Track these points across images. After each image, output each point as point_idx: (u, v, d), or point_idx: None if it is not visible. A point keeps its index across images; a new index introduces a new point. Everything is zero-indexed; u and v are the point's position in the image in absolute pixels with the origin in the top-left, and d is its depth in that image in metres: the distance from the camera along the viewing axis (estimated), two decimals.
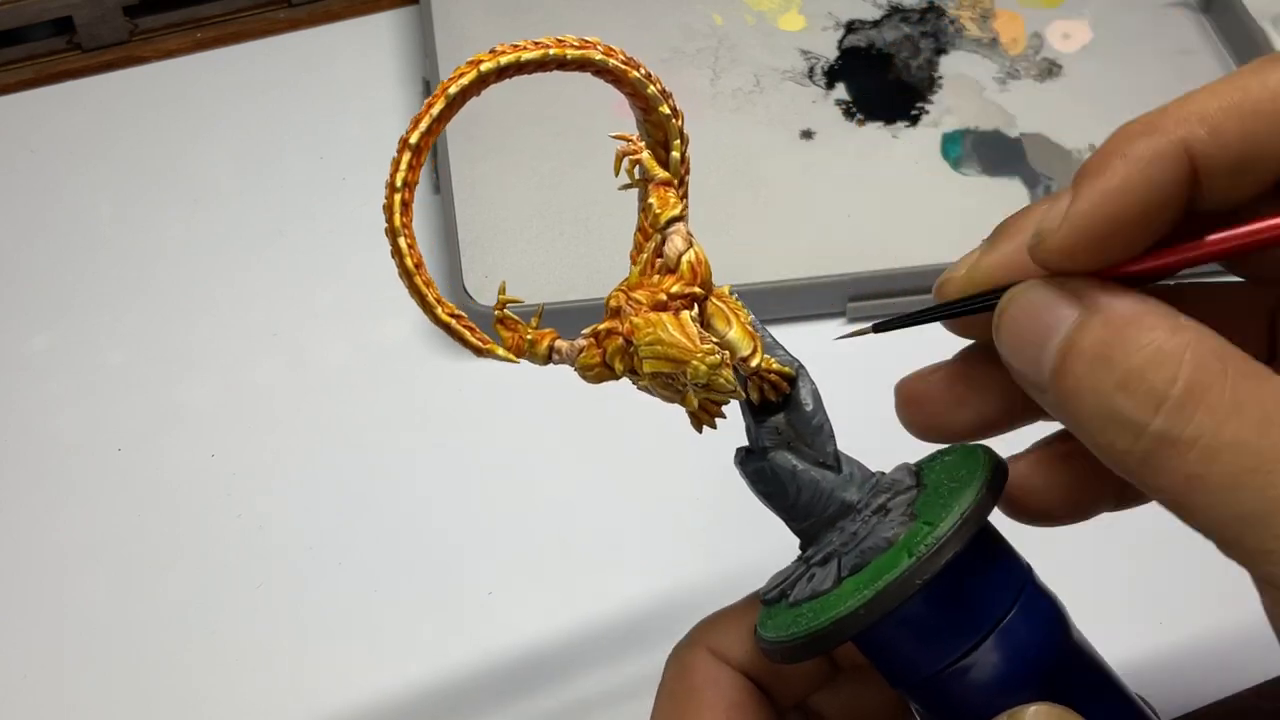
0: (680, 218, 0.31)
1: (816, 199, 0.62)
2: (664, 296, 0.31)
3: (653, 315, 0.30)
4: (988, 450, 0.31)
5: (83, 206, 0.65)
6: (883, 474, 0.33)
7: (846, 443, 0.33)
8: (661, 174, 0.31)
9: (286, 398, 0.57)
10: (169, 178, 0.66)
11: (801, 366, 0.32)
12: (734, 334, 0.31)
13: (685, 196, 0.32)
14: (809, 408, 0.32)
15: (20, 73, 0.69)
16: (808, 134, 0.65)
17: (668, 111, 0.31)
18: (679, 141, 0.32)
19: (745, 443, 0.33)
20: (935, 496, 0.30)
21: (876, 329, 0.33)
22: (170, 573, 0.52)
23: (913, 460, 0.33)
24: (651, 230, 0.31)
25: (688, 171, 0.32)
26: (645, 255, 0.31)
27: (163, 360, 0.59)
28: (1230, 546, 0.25)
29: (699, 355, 0.29)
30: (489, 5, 0.70)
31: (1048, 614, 0.30)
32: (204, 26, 0.72)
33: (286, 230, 0.63)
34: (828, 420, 0.32)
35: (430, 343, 0.59)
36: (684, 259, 0.31)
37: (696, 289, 0.31)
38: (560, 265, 0.59)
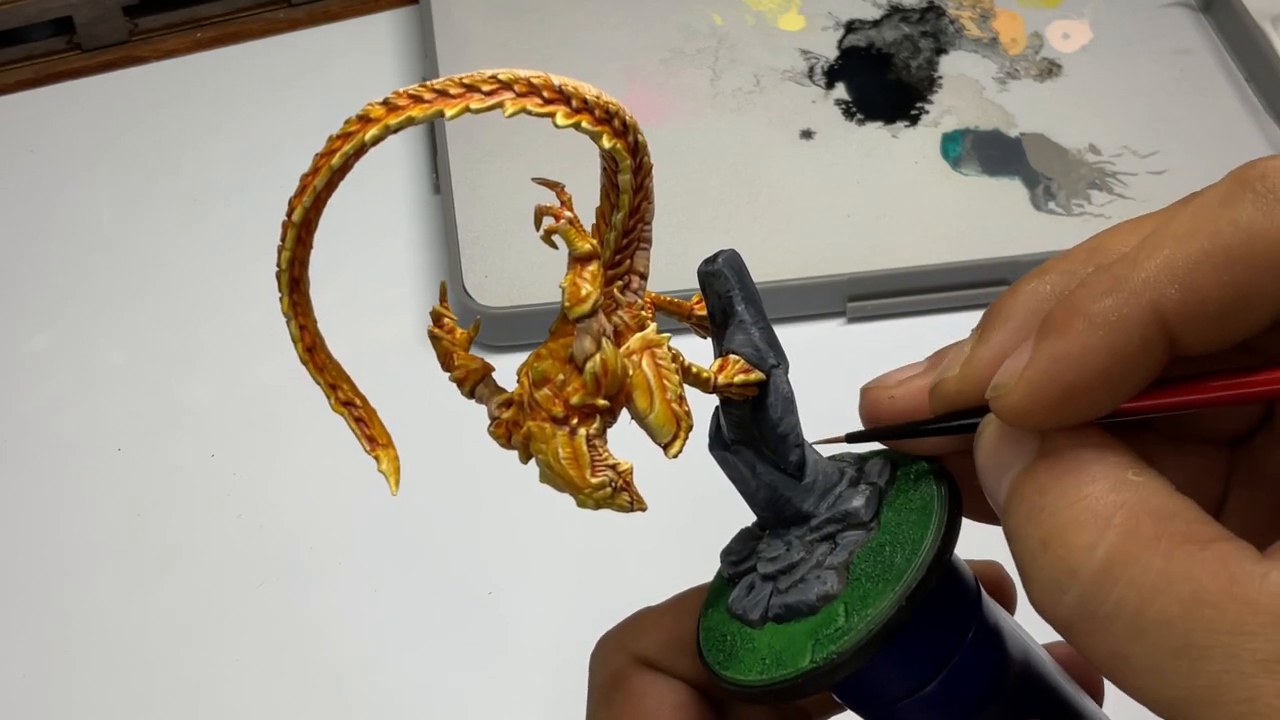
0: (591, 314, 0.27)
1: (816, 199, 0.62)
2: (560, 410, 0.28)
3: (548, 428, 0.28)
4: (941, 511, 0.29)
5: (83, 206, 0.65)
6: (854, 473, 0.31)
7: (824, 434, 0.32)
8: (582, 247, 0.28)
9: (286, 398, 0.57)
10: (169, 178, 0.66)
11: (775, 367, 0.30)
12: (655, 417, 0.28)
13: (648, 198, 0.29)
14: (775, 415, 0.30)
15: (20, 73, 0.69)
16: (808, 134, 0.65)
17: (608, 145, 0.27)
18: (629, 161, 0.28)
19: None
20: (879, 555, 0.29)
21: (850, 439, 0.31)
22: (170, 573, 0.52)
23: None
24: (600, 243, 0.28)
25: (646, 175, 0.29)
26: (559, 333, 0.29)
27: (163, 360, 0.59)
28: None
29: (585, 491, 0.28)
30: (489, 5, 0.70)
31: (995, 648, 0.30)
32: (204, 26, 0.72)
33: None
34: (795, 429, 0.30)
35: (429, 343, 0.59)
36: (588, 367, 0.27)
37: (599, 401, 0.28)
38: (560, 265, 0.59)
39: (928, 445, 0.30)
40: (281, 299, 0.28)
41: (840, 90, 0.67)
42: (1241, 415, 0.28)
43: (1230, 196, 0.23)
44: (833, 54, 0.69)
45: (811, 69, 0.68)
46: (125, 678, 0.50)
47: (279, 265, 0.28)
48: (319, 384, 0.29)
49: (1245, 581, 0.22)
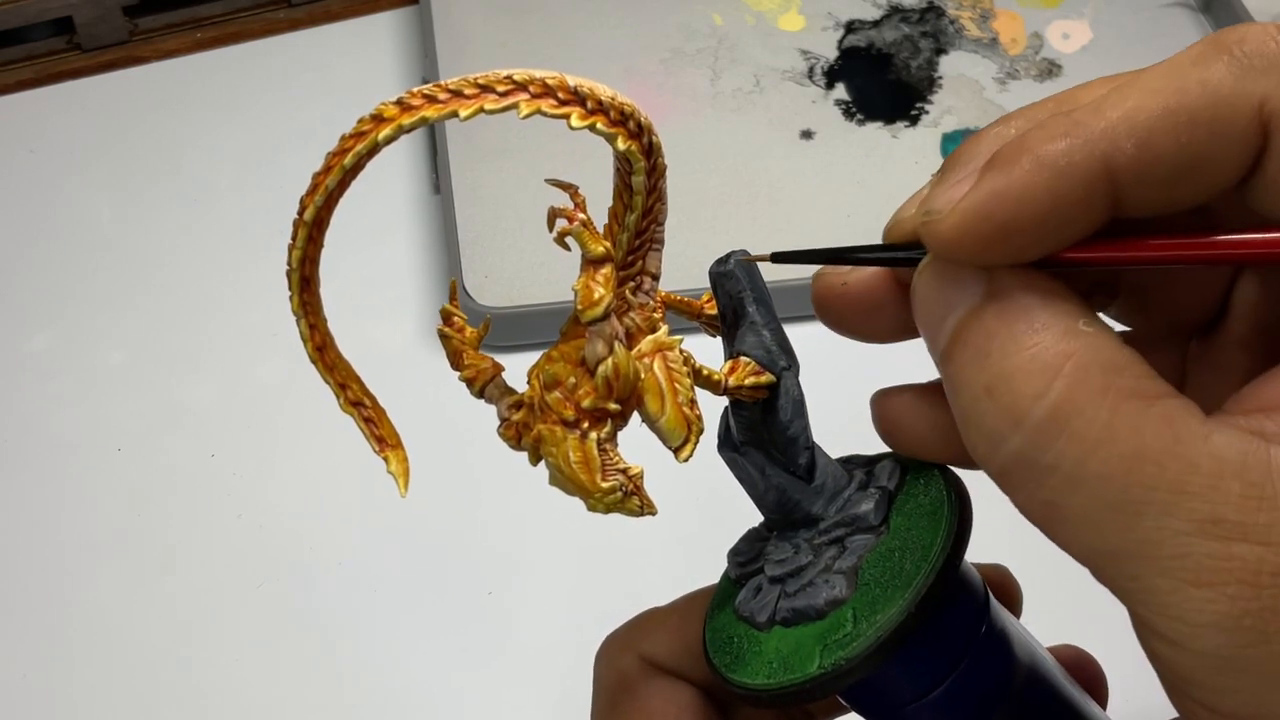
0: (604, 317, 0.27)
1: (816, 199, 0.62)
2: (571, 414, 0.28)
3: (559, 431, 0.28)
4: (951, 516, 0.29)
5: (83, 206, 0.65)
6: (864, 476, 0.31)
7: (831, 436, 0.32)
8: (596, 250, 0.27)
9: (286, 398, 0.57)
10: (169, 178, 0.66)
11: (786, 370, 0.30)
12: (666, 421, 0.28)
13: (661, 199, 0.29)
14: (785, 417, 0.30)
15: (20, 73, 0.69)
16: (808, 134, 0.65)
17: (623, 147, 0.27)
18: (643, 163, 0.28)
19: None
20: (888, 560, 0.29)
21: (775, 259, 0.30)
22: (170, 573, 0.52)
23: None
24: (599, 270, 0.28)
25: (660, 176, 0.29)
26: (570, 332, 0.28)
27: (163, 360, 0.59)
28: (1094, 573, 0.23)
29: (596, 495, 0.28)
30: (489, 5, 0.70)
31: (1002, 653, 0.30)
32: (204, 26, 0.72)
33: (286, 230, 0.63)
34: (804, 432, 0.30)
35: (430, 343, 0.59)
36: (600, 371, 0.27)
37: (611, 405, 0.27)
38: (560, 265, 0.59)
39: (864, 285, 0.29)
40: (292, 298, 0.28)
41: (840, 90, 0.67)
42: (1196, 304, 0.27)
43: (1203, 57, 0.23)
44: (833, 54, 0.69)
45: (811, 69, 0.68)
46: (125, 678, 0.50)
47: (290, 264, 0.28)
48: (328, 383, 0.29)
49: (1189, 441, 0.22)
